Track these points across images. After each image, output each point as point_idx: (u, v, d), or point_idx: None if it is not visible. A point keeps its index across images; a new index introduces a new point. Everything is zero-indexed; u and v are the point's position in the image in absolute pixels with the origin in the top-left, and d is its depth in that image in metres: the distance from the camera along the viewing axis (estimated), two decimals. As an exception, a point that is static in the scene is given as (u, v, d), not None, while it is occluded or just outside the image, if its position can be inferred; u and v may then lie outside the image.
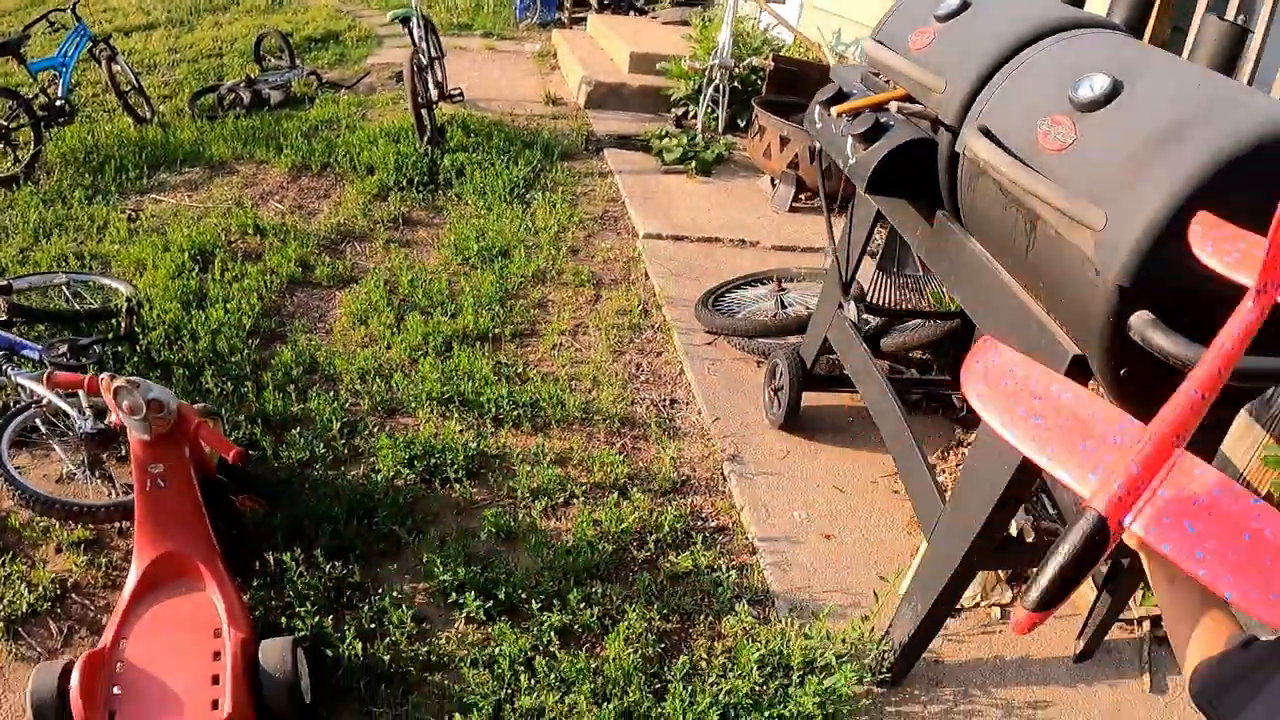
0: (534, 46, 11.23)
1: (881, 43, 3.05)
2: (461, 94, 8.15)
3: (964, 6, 2.84)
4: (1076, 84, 2.23)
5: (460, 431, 3.86)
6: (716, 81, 7.69)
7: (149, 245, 5.46)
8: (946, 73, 2.66)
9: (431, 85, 7.55)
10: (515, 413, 3.97)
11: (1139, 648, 3.24)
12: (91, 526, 3.32)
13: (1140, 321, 1.95)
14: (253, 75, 8.77)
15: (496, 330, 4.65)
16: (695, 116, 7.87)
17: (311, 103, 8.48)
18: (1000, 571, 3.35)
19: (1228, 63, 2.71)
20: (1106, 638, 3.18)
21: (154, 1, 14.33)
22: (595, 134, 7.76)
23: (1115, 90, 2.19)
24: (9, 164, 7.14)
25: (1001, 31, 2.60)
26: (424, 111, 6.97)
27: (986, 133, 2.37)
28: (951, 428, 4.17)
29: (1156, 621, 3.32)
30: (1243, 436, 3.65)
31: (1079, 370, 2.20)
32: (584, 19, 11.80)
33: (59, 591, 3.07)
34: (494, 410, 3.98)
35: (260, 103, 8.36)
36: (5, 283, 4.46)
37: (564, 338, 4.66)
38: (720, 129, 7.85)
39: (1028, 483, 2.45)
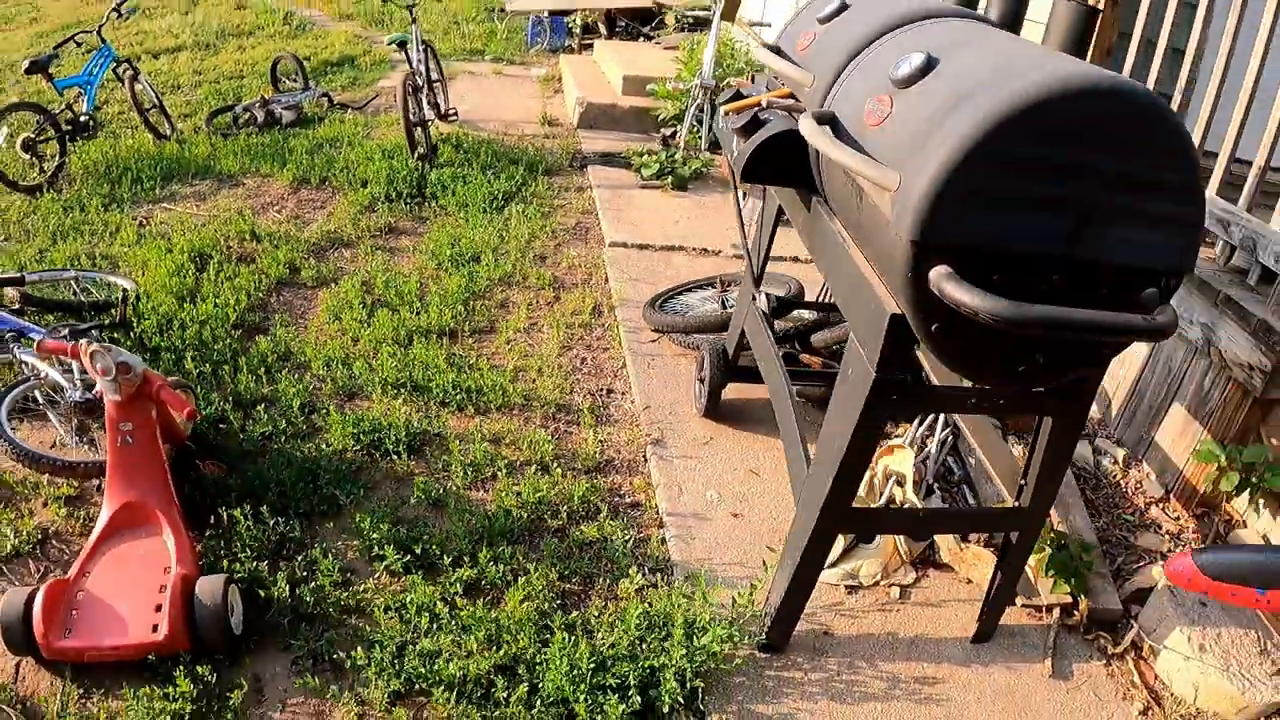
0: (540, 71, 11.65)
1: (768, 47, 3.41)
2: (457, 113, 8.60)
3: (842, 8, 3.18)
4: (898, 64, 2.49)
5: (407, 412, 4.27)
6: (699, 101, 8.00)
7: (154, 248, 5.93)
8: (815, 68, 3.00)
9: (427, 106, 7.97)
10: (459, 397, 4.37)
11: (1045, 634, 3.34)
12: (74, 483, 3.77)
13: (937, 275, 2.15)
14: (267, 96, 9.25)
15: (457, 326, 5.05)
16: (677, 136, 8.24)
17: (321, 122, 8.94)
18: (904, 552, 3.57)
19: (1077, 42, 2.92)
20: (1014, 623, 3.35)
21: (182, 26, 14.94)
22: (583, 152, 8.15)
23: (928, 67, 2.43)
24: (35, 174, 7.65)
25: (861, 27, 2.91)
26: (417, 130, 7.41)
27: (818, 116, 2.70)
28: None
29: (1067, 610, 3.42)
30: (1181, 434, 3.94)
31: (898, 328, 2.40)
32: (592, 45, 12.17)
33: (41, 537, 3.52)
34: (440, 395, 4.39)
35: (273, 122, 8.82)
36: (19, 275, 4.99)
37: (519, 335, 5.05)
38: (704, 147, 8.21)
39: (867, 452, 2.73)
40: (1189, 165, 2.21)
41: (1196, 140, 3.94)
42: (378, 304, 5.26)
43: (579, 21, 13.23)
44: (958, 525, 3.56)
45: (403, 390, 4.43)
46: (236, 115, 8.95)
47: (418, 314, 5.12)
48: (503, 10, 14.72)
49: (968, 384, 2.70)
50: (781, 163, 3.05)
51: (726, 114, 3.29)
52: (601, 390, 4.61)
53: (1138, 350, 4.25)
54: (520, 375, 4.64)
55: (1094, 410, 4.45)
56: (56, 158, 7.79)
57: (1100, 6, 4.36)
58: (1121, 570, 3.66)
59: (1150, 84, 4.30)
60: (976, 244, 2.17)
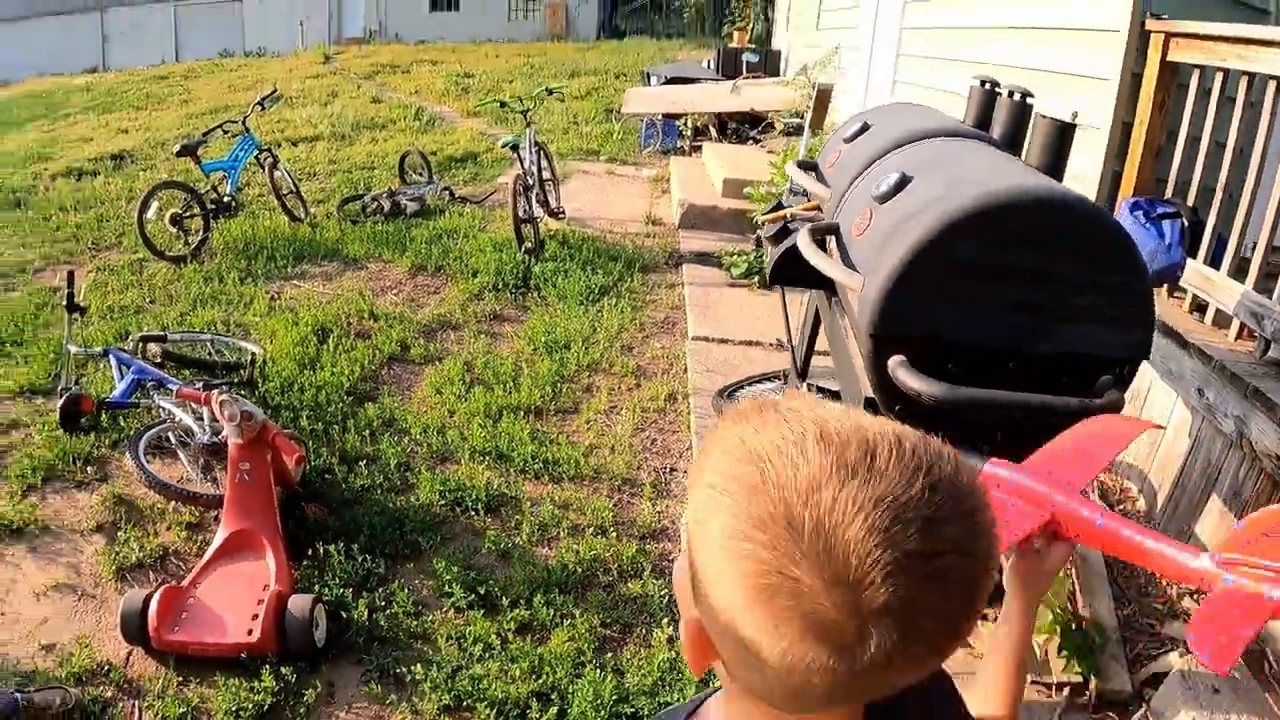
0: (650, 172, 12.26)
1: (803, 164, 3.95)
2: (564, 211, 9.29)
3: (863, 129, 3.70)
4: (879, 182, 2.93)
5: (489, 477, 4.87)
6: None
7: (282, 320, 6.75)
8: (834, 184, 3.50)
9: (537, 204, 8.63)
10: (537, 467, 4.96)
11: (1051, 712, 3.43)
12: (195, 511, 4.51)
13: (893, 363, 2.56)
14: (394, 188, 10.10)
15: (543, 405, 5.64)
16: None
17: (441, 214, 9.73)
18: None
19: (1054, 155, 3.14)
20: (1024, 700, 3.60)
21: (321, 116, 16.09)
22: (680, 251, 8.71)
23: (902, 184, 2.85)
24: (181, 246, 8.59)
25: (870, 147, 3.40)
26: (525, 226, 8.08)
27: (817, 229, 3.20)
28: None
29: (1077, 689, 3.51)
30: (1218, 526, 3.99)
31: (873, 409, 2.72)
32: (702, 147, 12.75)
33: (162, 553, 4.30)
34: (520, 464, 4.99)
35: (398, 212, 9.64)
36: (162, 334, 5.93)
37: (598, 416, 5.60)
38: (794, 249, 8.70)
39: None
40: (1126, 266, 2.53)
41: (1235, 233, 4.22)
42: (476, 382, 5.90)
43: (690, 124, 13.87)
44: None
45: (488, 458, 5.04)
46: (365, 204, 9.80)
47: (510, 393, 5.73)
48: (619, 112, 15.48)
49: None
50: (804, 267, 3.46)
51: (763, 223, 3.81)
52: (666, 468, 5.12)
53: (1180, 442, 4.40)
54: (594, 451, 5.18)
55: (1141, 502, 4.64)
56: (200, 233, 8.74)
57: (1092, 122, 4.67)
58: (1141, 656, 3.79)
59: (1194, 178, 4.59)
60: (926, 336, 2.58)
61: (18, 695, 3.29)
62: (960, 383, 2.50)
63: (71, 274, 5.84)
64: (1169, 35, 4.76)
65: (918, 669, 0.85)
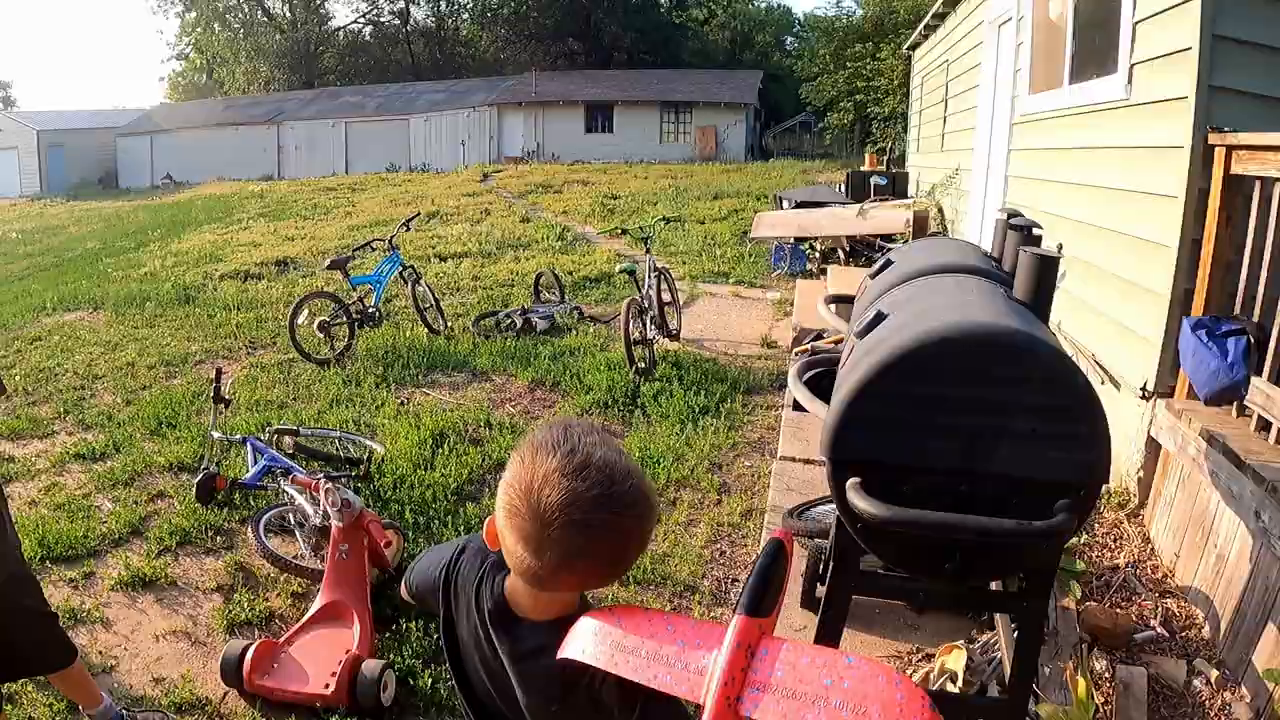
0: (775, 295, 12.72)
1: (833, 298, 4.37)
2: (677, 333, 9.84)
3: (886, 265, 4.08)
4: (861, 318, 3.26)
5: (565, 576, 5.37)
6: None
7: (406, 423, 7.51)
8: (853, 318, 3.86)
9: (654, 326, 9.18)
10: (609, 569, 5.42)
11: None
12: (303, 582, 5.24)
13: (849, 485, 2.78)
14: (527, 306, 10.86)
15: (627, 515, 6.12)
16: None
17: (569, 332, 10.42)
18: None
19: (1035, 288, 3.21)
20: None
21: (471, 235, 17.12)
22: (786, 373, 9.13)
23: (878, 320, 3.16)
24: (327, 350, 9.53)
25: (883, 283, 3.74)
26: (638, 347, 8.64)
27: (805, 365, 3.58)
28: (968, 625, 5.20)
29: None
30: (1272, 655, 3.87)
31: (841, 529, 3.09)
32: (827, 270, 13.06)
33: (268, 615, 5.06)
34: (595, 566, 5.46)
35: (529, 328, 10.36)
36: (296, 429, 6.70)
37: (677, 527, 6.05)
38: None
39: (837, 621, 3.43)
40: (1070, 392, 2.70)
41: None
42: (567, 491, 6.43)
43: (818, 247, 14.35)
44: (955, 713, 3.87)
45: (568, 558, 5.54)
46: (499, 320, 10.57)
47: (599, 501, 6.24)
48: (665, 221, 16.00)
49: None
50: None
51: (796, 355, 4.24)
52: (728, 579, 5.52)
53: (1241, 567, 4.33)
54: (665, 559, 5.62)
55: (1205, 630, 4.57)
56: (345, 340, 9.67)
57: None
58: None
59: (1259, 289, 4.54)
60: (877, 460, 2.85)
61: (124, 713, 4.08)
62: (914, 505, 2.73)
63: (219, 371, 6.88)
64: (1230, 148, 4.79)
65: (582, 579, 1.76)
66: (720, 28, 70.14)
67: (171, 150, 53.24)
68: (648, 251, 9.98)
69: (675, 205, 21.97)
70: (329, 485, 4.79)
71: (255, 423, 7.73)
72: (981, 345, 2.76)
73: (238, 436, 6.85)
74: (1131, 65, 6.03)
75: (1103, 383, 6.15)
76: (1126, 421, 5.70)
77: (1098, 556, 5.15)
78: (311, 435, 6.89)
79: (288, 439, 6.54)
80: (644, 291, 9.20)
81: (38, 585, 3.81)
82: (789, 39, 73.81)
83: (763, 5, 78.29)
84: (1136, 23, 5.98)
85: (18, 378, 10.35)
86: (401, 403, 8.23)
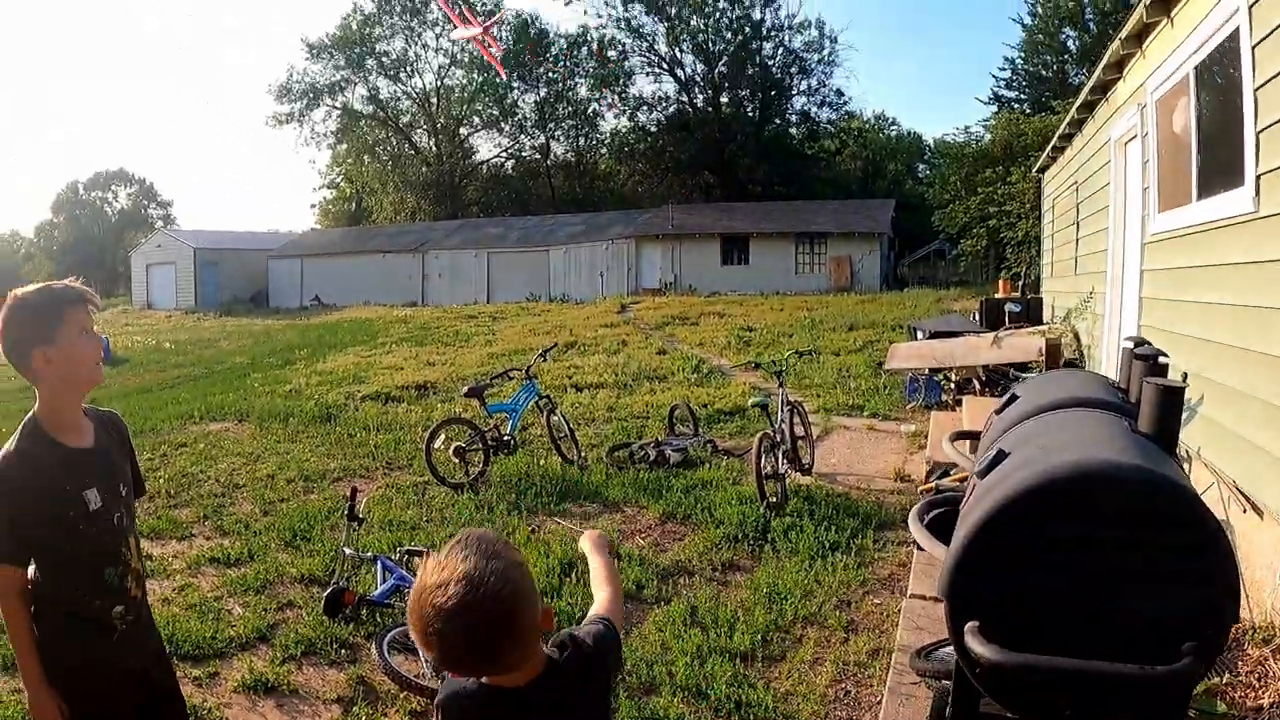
0: (910, 427, 12.56)
1: (957, 435, 4.34)
2: (810, 467, 9.81)
3: (1011, 400, 4.04)
4: (982, 458, 3.22)
5: (684, 710, 5.33)
6: None
7: (535, 550, 7.62)
8: (978, 455, 3.81)
9: (786, 461, 9.15)
10: (730, 705, 5.34)
11: None
12: (423, 701, 5.32)
13: (967, 628, 2.76)
14: (660, 438, 10.95)
15: (751, 651, 6.03)
16: None
17: (702, 465, 10.45)
18: None
19: (1160, 420, 3.15)
20: None
21: (608, 366, 17.39)
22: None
23: (999, 459, 3.11)
24: (461, 475, 9.74)
25: (1007, 420, 3.69)
26: (769, 482, 8.60)
27: (927, 504, 3.56)
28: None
29: None
30: None
31: (960, 674, 3.07)
32: (962, 401, 12.84)
33: None
34: (715, 701, 5.39)
35: (662, 461, 10.42)
36: (426, 550, 6.77)
37: (802, 665, 5.95)
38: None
39: None
40: (1195, 531, 2.63)
41: None
42: (695, 623, 6.40)
43: (952, 378, 14.18)
44: None
45: (688, 693, 5.49)
46: (633, 452, 10.66)
47: (723, 637, 6.18)
48: (799, 354, 15.89)
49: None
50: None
51: (922, 492, 4.23)
52: (849, 719, 5.45)
53: None
54: (787, 698, 5.53)
55: None
56: (480, 465, 9.89)
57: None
58: None
59: None
60: (996, 602, 2.81)
61: None
62: (1034, 649, 2.67)
63: (354, 490, 7.21)
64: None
65: (478, 662, 2.15)
66: (852, 157, 70.98)
67: (320, 273, 55.53)
68: (781, 385, 10.03)
69: (810, 337, 22.05)
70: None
71: (387, 542, 7.95)
72: (1102, 484, 2.72)
73: (369, 554, 7.05)
74: (1258, 176, 5.88)
75: (1244, 510, 5.94)
76: (1269, 550, 5.49)
77: (1240, 696, 4.90)
78: None
79: (417, 560, 6.70)
80: (776, 425, 9.21)
81: None
82: (920, 165, 74.23)
83: (893, 133, 79.03)
84: (1259, 131, 5.86)
85: (162, 480, 10.83)
86: (532, 530, 8.34)
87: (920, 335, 17.68)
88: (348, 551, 6.90)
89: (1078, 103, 13.65)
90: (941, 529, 3.74)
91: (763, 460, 8.55)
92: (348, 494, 7.21)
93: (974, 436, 4.36)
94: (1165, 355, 3.82)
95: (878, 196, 57.91)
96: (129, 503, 3.36)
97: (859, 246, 43.96)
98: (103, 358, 3.24)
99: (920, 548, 3.93)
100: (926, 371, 14.35)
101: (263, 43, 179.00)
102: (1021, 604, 2.83)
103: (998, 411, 4.14)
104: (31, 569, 3.10)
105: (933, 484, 4.14)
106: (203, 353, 28.70)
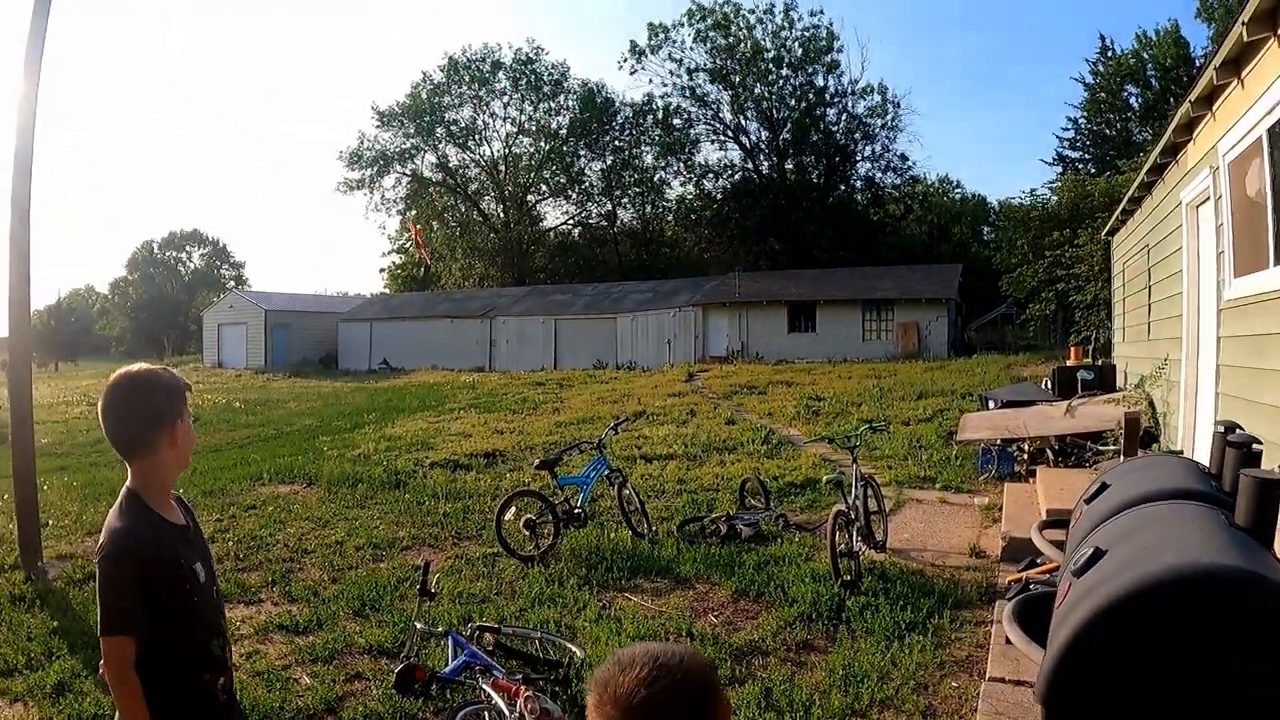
0: (983, 500, 12.32)
1: (1046, 523, 4.22)
2: (884, 544, 9.66)
3: (1101, 489, 3.94)
4: (1077, 556, 3.13)
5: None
6: None
7: (607, 627, 7.57)
8: (1069, 547, 3.74)
9: (859, 537, 9.03)
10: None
11: None
12: None
13: None
14: (731, 513, 10.87)
15: (831, 737, 5.96)
16: None
17: (774, 540, 10.34)
18: None
19: (1258, 516, 3.04)
20: None
21: (677, 437, 17.34)
22: (996, 585, 8.74)
23: (1095, 558, 3.03)
24: (531, 547, 9.75)
25: (1099, 509, 3.60)
26: (844, 560, 8.49)
27: (1021, 602, 3.46)
28: None
29: None
30: None
31: None
32: (1036, 472, 12.55)
33: None
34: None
35: (733, 535, 10.33)
36: (497, 626, 6.82)
37: (882, 753, 5.88)
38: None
39: None
40: None
41: None
42: (770, 707, 6.29)
43: (1026, 448, 13.94)
44: None
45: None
46: (704, 526, 10.60)
47: (804, 713, 6.08)
48: (872, 429, 15.67)
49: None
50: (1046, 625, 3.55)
51: (1009, 584, 4.14)
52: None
53: None
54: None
55: None
56: (550, 538, 9.91)
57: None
58: None
59: None
60: (1097, 710, 2.73)
61: None
62: None
63: (427, 565, 7.17)
64: None
65: None
66: (917, 221, 70.86)
67: (389, 336, 56.25)
68: (854, 460, 9.93)
69: (879, 407, 21.87)
70: (529, 693, 4.86)
71: (457, 614, 7.95)
72: (1202, 588, 2.63)
73: (440, 629, 7.05)
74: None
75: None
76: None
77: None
78: (512, 634, 7.01)
79: (489, 637, 6.67)
80: (850, 501, 9.10)
81: None
82: (985, 229, 73.94)
83: (958, 196, 78.81)
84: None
85: (231, 543, 10.97)
86: (603, 606, 8.29)
87: (992, 405, 17.44)
88: (419, 626, 6.89)
89: (1146, 165, 13.53)
90: (1031, 623, 3.67)
91: (837, 537, 8.44)
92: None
93: (1062, 524, 4.26)
94: (1259, 442, 3.71)
95: (943, 260, 57.63)
96: (216, 577, 3.42)
97: (926, 312, 43.65)
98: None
99: (1010, 641, 3.82)
100: (999, 442, 14.13)
101: (334, 113, 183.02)
102: (1124, 713, 2.74)
103: (1087, 500, 4.05)
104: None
105: (1021, 574, 4.04)
106: (272, 413, 29.10)
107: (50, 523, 12.17)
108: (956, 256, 60.97)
